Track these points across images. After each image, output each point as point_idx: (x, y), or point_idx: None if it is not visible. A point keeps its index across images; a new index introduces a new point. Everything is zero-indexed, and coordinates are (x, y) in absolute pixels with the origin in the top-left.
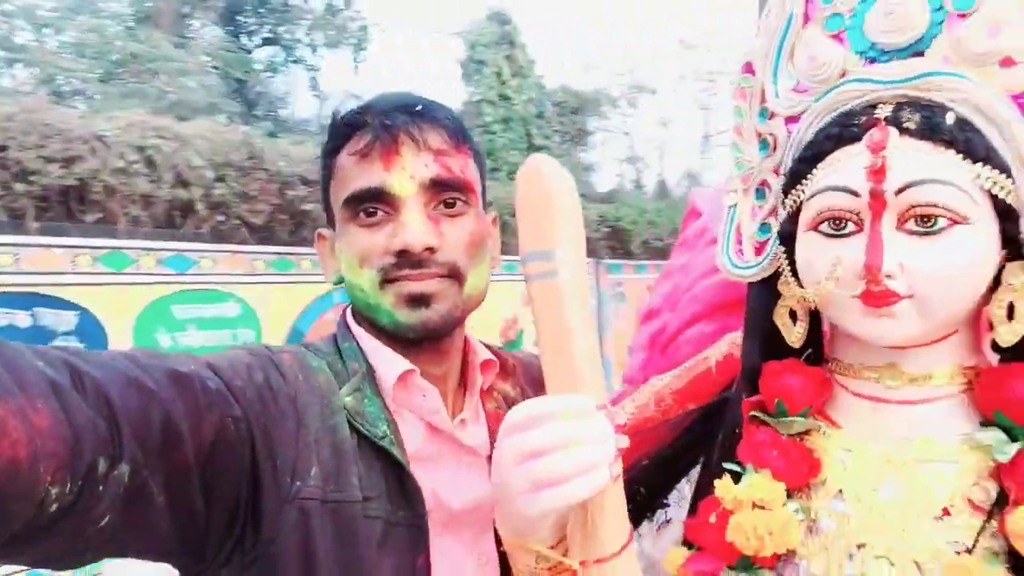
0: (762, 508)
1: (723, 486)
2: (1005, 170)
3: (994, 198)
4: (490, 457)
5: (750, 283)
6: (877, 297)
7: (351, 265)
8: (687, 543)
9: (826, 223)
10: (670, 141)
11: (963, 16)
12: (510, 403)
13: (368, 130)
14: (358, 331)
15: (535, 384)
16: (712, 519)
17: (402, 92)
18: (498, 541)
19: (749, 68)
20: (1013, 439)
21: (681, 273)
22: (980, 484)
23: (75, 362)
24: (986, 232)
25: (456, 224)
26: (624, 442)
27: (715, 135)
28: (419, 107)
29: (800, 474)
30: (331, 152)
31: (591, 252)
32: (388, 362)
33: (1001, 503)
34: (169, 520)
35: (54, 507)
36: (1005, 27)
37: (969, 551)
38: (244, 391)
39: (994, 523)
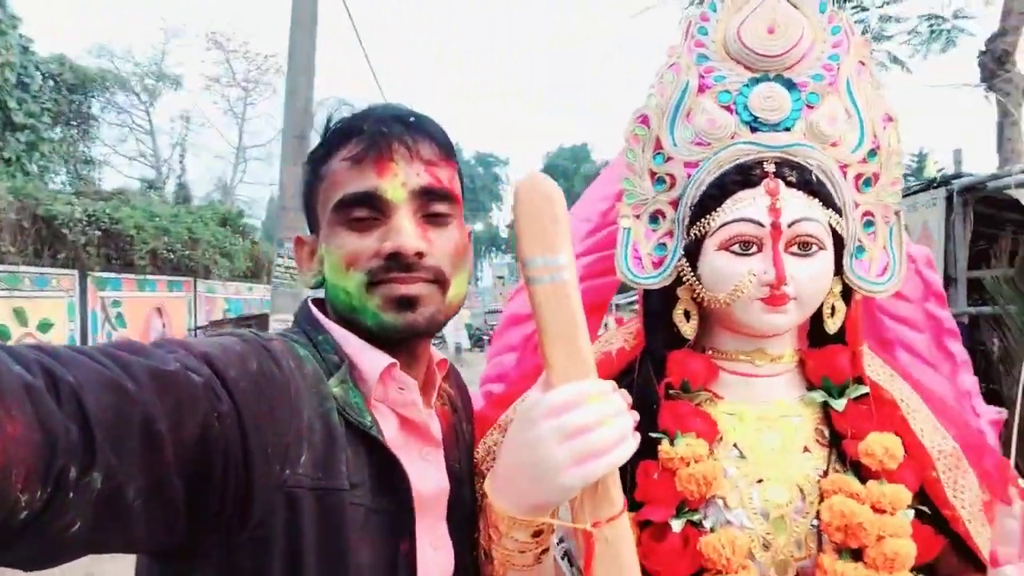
0: (695, 462)
1: (666, 450)
2: (840, 213)
3: (834, 233)
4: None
5: (647, 290)
6: (778, 299)
7: (337, 267)
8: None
9: (737, 245)
10: (201, 145)
11: (812, 108)
12: (451, 400)
13: (363, 137)
14: (330, 325)
15: (457, 384)
16: (656, 477)
17: (395, 104)
18: (451, 529)
19: (644, 120)
20: (832, 396)
21: None
22: (818, 428)
23: (51, 365)
24: (831, 255)
25: (442, 233)
26: (636, 415)
27: (251, 147)
28: (412, 119)
29: (712, 433)
30: (322, 157)
31: (71, 263)
32: (370, 357)
33: (835, 439)
34: (146, 521)
35: (24, 514)
36: (836, 120)
37: (827, 474)
38: (238, 382)
39: (834, 453)
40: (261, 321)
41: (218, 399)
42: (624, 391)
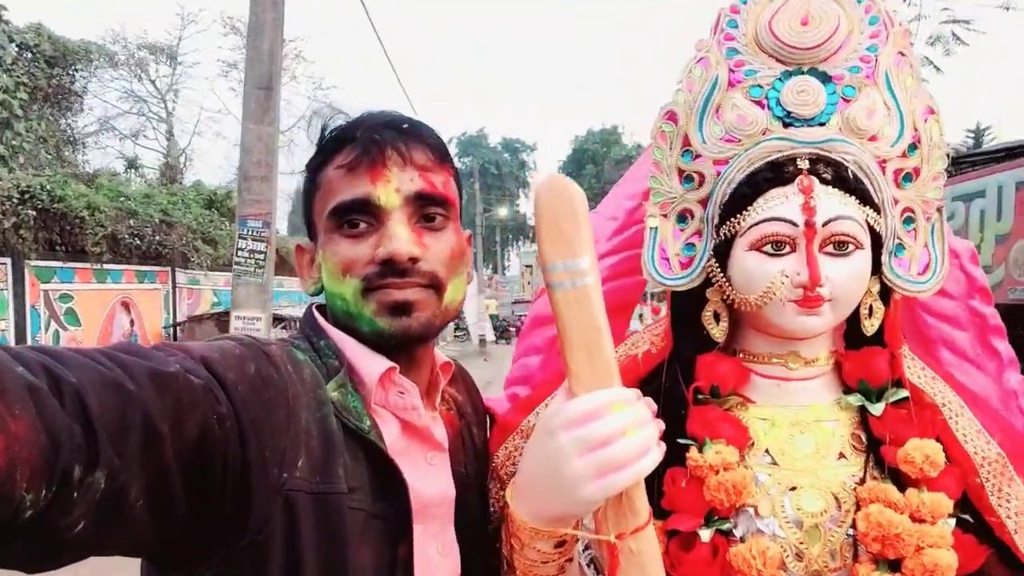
0: (725, 470)
1: (695, 457)
2: (878, 211)
3: (872, 231)
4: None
5: (675, 291)
6: (812, 301)
7: (333, 274)
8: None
9: (769, 245)
10: (219, 134)
11: (848, 101)
12: (457, 404)
13: (356, 145)
14: (332, 330)
15: (466, 388)
16: (683, 485)
17: (388, 111)
18: (458, 534)
19: (672, 117)
20: (869, 400)
21: None
22: (854, 433)
23: (53, 366)
24: (868, 254)
25: (437, 237)
26: (662, 424)
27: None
28: (405, 125)
29: (743, 440)
30: (318, 166)
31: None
32: (370, 361)
33: (873, 445)
34: (149, 520)
35: (28, 513)
36: (874, 113)
37: (863, 481)
38: (236, 385)
39: (872, 459)
40: (191, 323)
41: (217, 402)
42: (649, 399)
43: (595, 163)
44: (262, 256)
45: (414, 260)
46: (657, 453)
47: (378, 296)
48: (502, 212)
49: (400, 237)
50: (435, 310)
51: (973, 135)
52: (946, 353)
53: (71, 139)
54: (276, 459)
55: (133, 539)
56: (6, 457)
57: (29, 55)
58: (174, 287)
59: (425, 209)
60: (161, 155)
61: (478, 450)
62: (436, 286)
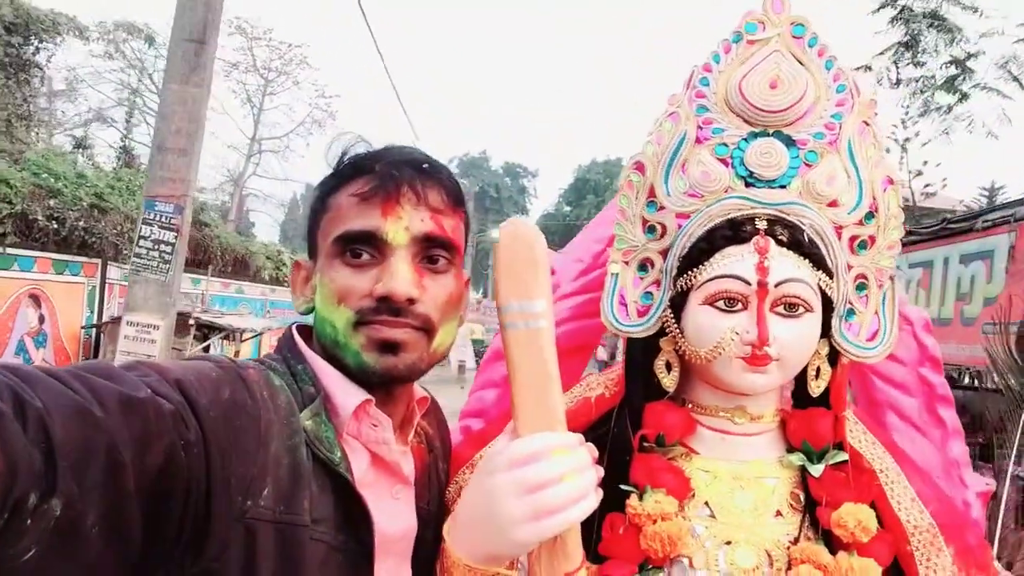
0: (662, 520)
1: (634, 505)
2: (831, 275)
3: (823, 295)
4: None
5: (631, 339)
6: (760, 359)
7: (328, 300)
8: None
9: (722, 301)
10: (212, 133)
11: (810, 166)
12: (428, 438)
13: (374, 176)
14: (311, 356)
15: (437, 421)
16: (621, 531)
17: (411, 148)
18: (414, 571)
19: (640, 167)
20: (811, 460)
21: None
22: (793, 492)
23: (20, 389)
24: (818, 318)
25: (438, 280)
26: (600, 471)
27: (266, 139)
28: (425, 165)
29: (684, 491)
30: (331, 189)
31: None
32: (346, 391)
33: (810, 505)
34: (102, 548)
35: None
36: (834, 180)
37: (796, 540)
38: (208, 410)
39: (807, 519)
40: (115, 324)
41: (186, 427)
42: (591, 445)
43: (596, 193)
44: (169, 249)
45: (411, 301)
46: (593, 500)
47: (368, 331)
48: (495, 234)
49: (401, 275)
50: (423, 352)
51: (987, 193)
52: (893, 418)
53: (25, 114)
54: (241, 487)
55: (85, 565)
56: None
57: None
58: (103, 282)
59: (430, 251)
60: (132, 140)
61: (442, 486)
62: (428, 329)
